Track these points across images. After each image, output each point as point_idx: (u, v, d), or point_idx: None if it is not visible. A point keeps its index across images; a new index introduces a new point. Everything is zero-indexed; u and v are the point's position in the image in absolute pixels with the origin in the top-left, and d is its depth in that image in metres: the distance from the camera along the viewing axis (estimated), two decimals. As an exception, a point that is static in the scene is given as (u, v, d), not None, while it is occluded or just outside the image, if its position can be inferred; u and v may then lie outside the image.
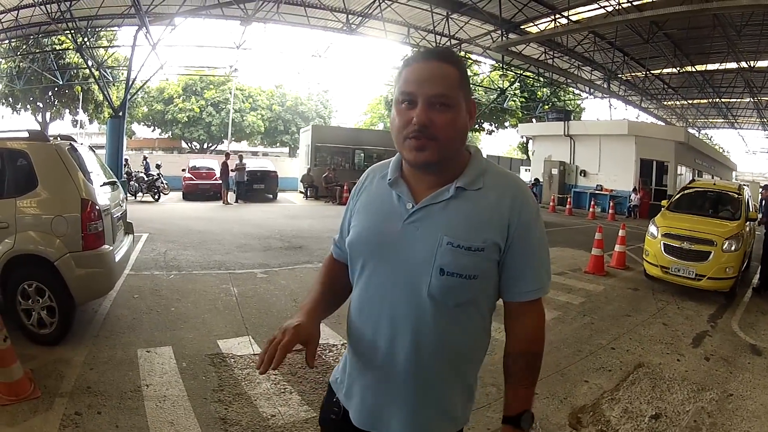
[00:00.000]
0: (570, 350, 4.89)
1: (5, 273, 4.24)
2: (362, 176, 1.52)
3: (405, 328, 1.27)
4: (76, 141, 5.14)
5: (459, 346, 1.31)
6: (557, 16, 17.52)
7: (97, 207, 4.46)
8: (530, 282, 1.31)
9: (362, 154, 23.67)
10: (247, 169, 19.34)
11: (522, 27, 19.30)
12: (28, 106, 29.28)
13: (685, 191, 9.20)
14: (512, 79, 29.65)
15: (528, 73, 27.77)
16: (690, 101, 29.03)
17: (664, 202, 9.23)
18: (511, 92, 31.58)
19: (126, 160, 19.49)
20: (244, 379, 3.89)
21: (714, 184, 9.81)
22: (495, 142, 69.11)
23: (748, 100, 27.06)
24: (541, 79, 28.70)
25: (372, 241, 1.34)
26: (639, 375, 4.33)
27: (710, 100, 27.72)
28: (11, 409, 3.23)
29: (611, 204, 20.02)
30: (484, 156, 1.37)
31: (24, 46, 24.69)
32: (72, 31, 18.22)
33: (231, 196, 18.80)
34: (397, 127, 1.27)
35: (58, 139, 4.86)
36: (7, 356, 3.32)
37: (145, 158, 21.25)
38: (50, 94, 29.07)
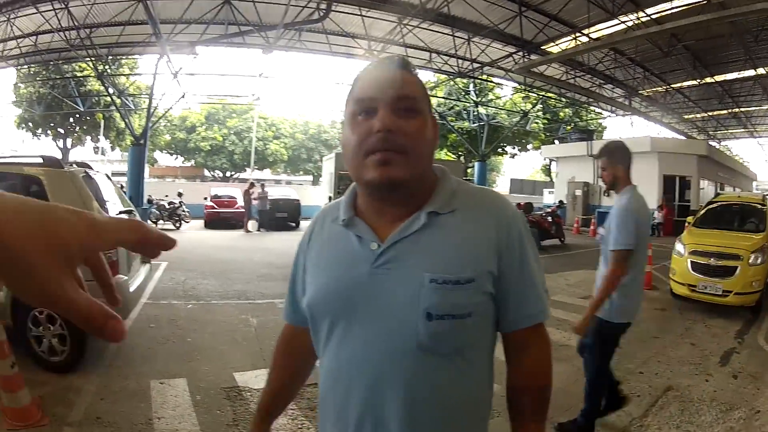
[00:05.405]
0: (597, 377, 4.92)
1: (16, 300, 4.37)
2: (309, 224, 1.33)
3: (393, 394, 1.05)
4: (91, 168, 5.31)
5: (464, 402, 1.10)
6: (578, 34, 17.85)
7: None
8: (533, 304, 1.15)
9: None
10: (269, 198, 19.65)
11: (543, 47, 19.58)
12: (49, 132, 30.12)
13: (710, 206, 9.43)
14: (534, 101, 30.06)
15: (550, 94, 28.14)
16: (710, 113, 29.31)
17: (689, 219, 9.58)
18: (534, 114, 31.91)
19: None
20: (260, 414, 3.87)
21: (738, 196, 10.29)
22: (518, 166, 68.96)
23: (766, 107, 27.20)
24: (563, 99, 28.99)
25: (337, 297, 1.12)
26: (668, 399, 4.37)
27: (729, 111, 27.79)
28: (18, 436, 3.30)
29: None
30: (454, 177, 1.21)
31: (44, 72, 25.55)
32: (93, 59, 18.91)
33: (253, 225, 19.13)
34: (354, 144, 1.07)
35: (74, 166, 5.02)
36: (15, 382, 3.42)
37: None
38: (71, 120, 29.98)
